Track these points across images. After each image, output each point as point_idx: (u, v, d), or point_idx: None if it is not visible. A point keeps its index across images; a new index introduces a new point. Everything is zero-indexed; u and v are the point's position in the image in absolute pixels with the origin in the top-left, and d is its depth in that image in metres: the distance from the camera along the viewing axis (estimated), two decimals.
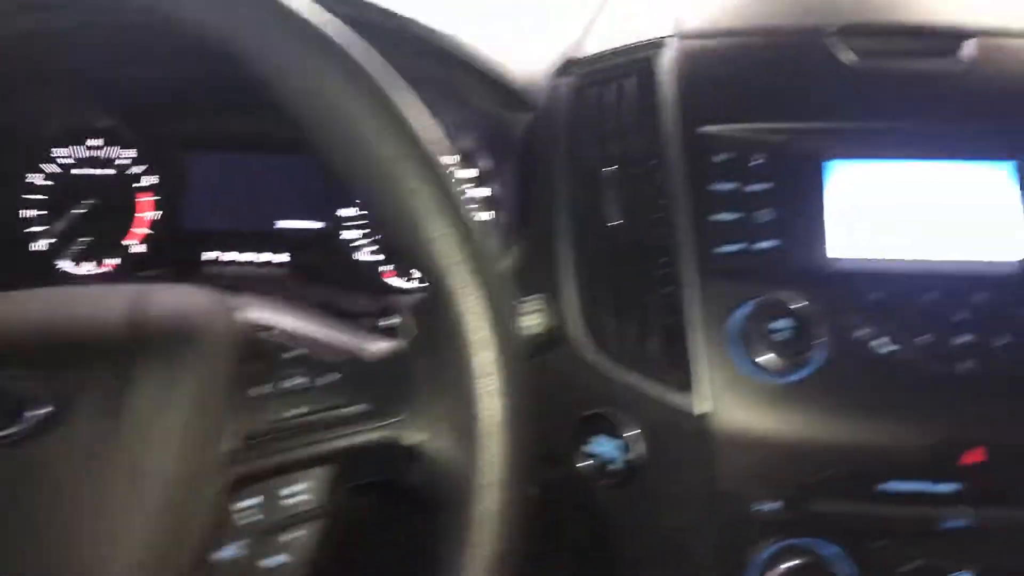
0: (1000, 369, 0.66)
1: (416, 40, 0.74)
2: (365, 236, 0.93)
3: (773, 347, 0.66)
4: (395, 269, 0.91)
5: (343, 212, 0.92)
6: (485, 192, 0.88)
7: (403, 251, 0.48)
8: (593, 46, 0.85)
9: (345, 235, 0.92)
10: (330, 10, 0.47)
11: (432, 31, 0.75)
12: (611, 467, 0.71)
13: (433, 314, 0.48)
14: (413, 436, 0.49)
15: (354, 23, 0.70)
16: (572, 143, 0.77)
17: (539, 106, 0.81)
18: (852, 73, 0.75)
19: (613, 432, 0.70)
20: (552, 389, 0.73)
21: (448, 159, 0.49)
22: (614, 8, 0.94)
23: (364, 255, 0.93)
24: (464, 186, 0.48)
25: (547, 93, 0.82)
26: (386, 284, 0.92)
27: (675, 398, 0.68)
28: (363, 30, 0.71)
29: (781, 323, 0.66)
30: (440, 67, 0.76)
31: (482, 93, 0.79)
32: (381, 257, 0.91)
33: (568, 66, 0.83)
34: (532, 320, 0.64)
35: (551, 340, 0.66)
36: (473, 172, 0.89)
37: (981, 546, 0.66)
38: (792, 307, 0.66)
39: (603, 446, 0.71)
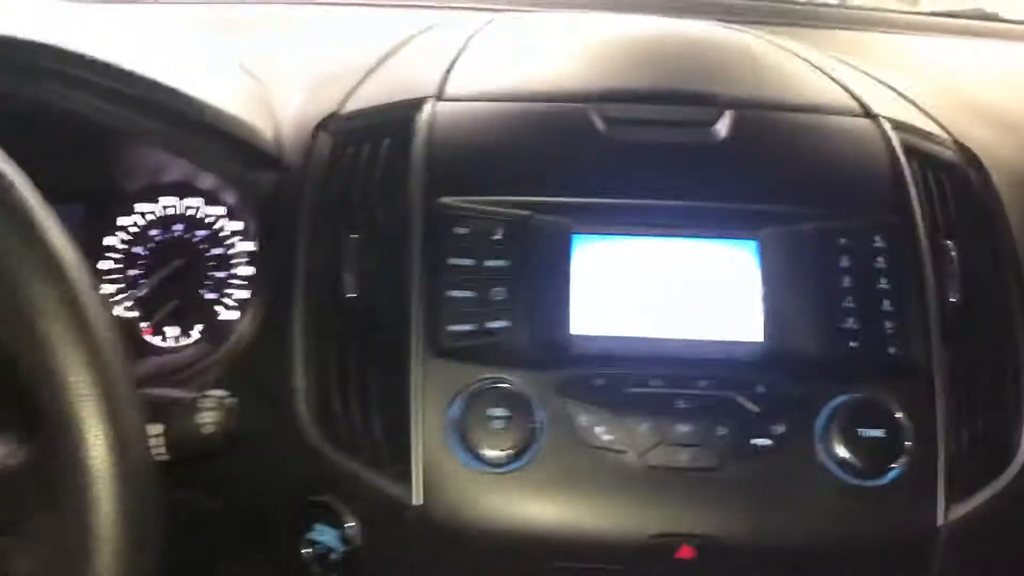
0: (719, 463, 0.64)
1: (138, 99, 0.69)
2: (120, 292, 0.87)
3: (490, 436, 0.63)
4: (152, 327, 0.86)
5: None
6: (247, 248, 0.83)
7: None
8: (359, 101, 0.81)
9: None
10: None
11: (160, 88, 0.70)
12: (331, 557, 0.67)
13: (43, 429, 0.43)
14: (16, 563, 0.45)
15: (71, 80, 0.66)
16: (318, 206, 0.74)
17: (289, 164, 0.77)
18: (604, 144, 0.73)
19: (334, 521, 0.67)
20: (275, 473, 0.69)
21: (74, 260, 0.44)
22: (399, 59, 0.91)
23: (119, 311, 0.87)
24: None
25: (300, 151, 0.77)
26: (146, 343, 0.87)
27: (393, 489, 0.65)
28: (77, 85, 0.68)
29: (499, 410, 0.63)
30: (167, 126, 0.72)
31: (213, 152, 0.74)
32: (137, 313, 0.86)
33: (326, 123, 0.79)
34: (206, 418, 0.59)
35: (226, 441, 0.62)
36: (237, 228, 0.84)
37: None
38: (513, 391, 0.64)
39: (324, 535, 0.67)
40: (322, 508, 0.67)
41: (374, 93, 0.82)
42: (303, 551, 0.68)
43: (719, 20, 1.09)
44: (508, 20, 0.99)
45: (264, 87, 0.85)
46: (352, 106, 0.80)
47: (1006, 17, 1.41)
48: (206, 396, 0.59)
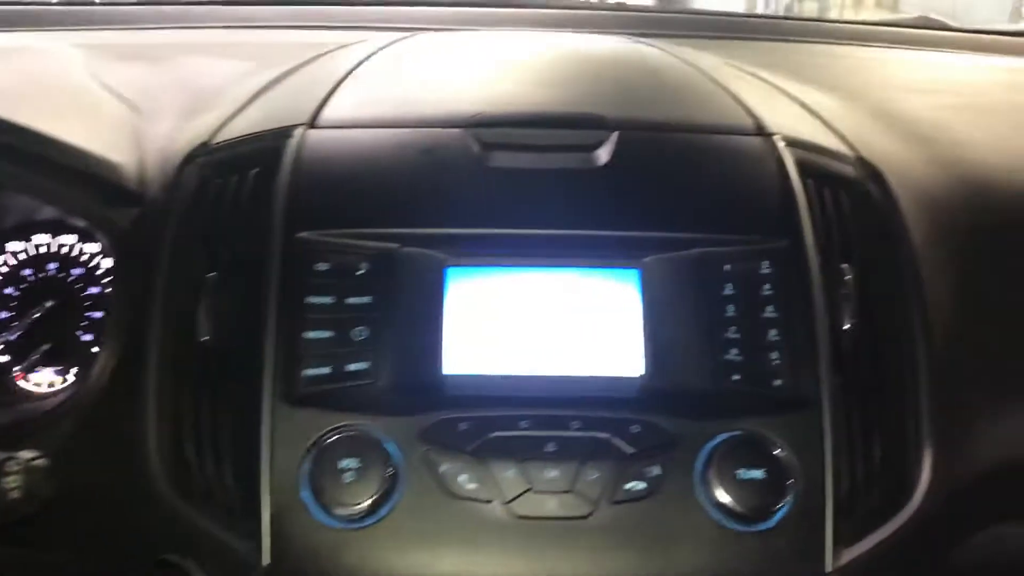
0: (591, 510, 0.60)
1: None
2: None
3: (342, 489, 0.59)
4: (23, 371, 0.81)
5: None
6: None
7: None
8: (233, 131, 0.77)
9: None
10: None
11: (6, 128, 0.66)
12: None
13: None
14: None
15: None
16: (179, 243, 0.69)
17: (153, 199, 0.72)
18: (479, 170, 0.69)
19: None
20: (126, 529, 0.65)
21: None
22: (284, 86, 0.87)
23: None
24: None
25: (166, 184, 0.73)
26: (19, 388, 0.82)
27: (243, 547, 0.60)
28: None
29: (351, 461, 0.59)
30: (15, 167, 0.68)
31: (69, 190, 0.70)
32: (8, 358, 0.82)
33: (195, 154, 0.75)
34: (10, 483, 0.55)
35: (38, 505, 0.57)
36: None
37: None
38: (367, 440, 0.60)
39: None
40: (174, 568, 0.62)
41: (249, 122, 0.78)
42: None
43: (647, 34, 1.07)
44: (409, 42, 0.95)
45: (137, 117, 0.81)
46: (224, 136, 0.76)
47: (951, 25, 1.38)
48: (10, 459, 0.55)
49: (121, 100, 0.83)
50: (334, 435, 0.60)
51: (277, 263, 0.65)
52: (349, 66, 0.85)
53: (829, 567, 0.60)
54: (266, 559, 0.59)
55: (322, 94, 0.78)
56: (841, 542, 0.61)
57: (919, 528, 0.63)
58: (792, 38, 1.23)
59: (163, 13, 1.12)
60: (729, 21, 1.27)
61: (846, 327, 0.66)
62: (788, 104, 0.85)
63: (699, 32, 1.18)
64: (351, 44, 0.96)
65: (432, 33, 1.02)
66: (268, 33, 1.11)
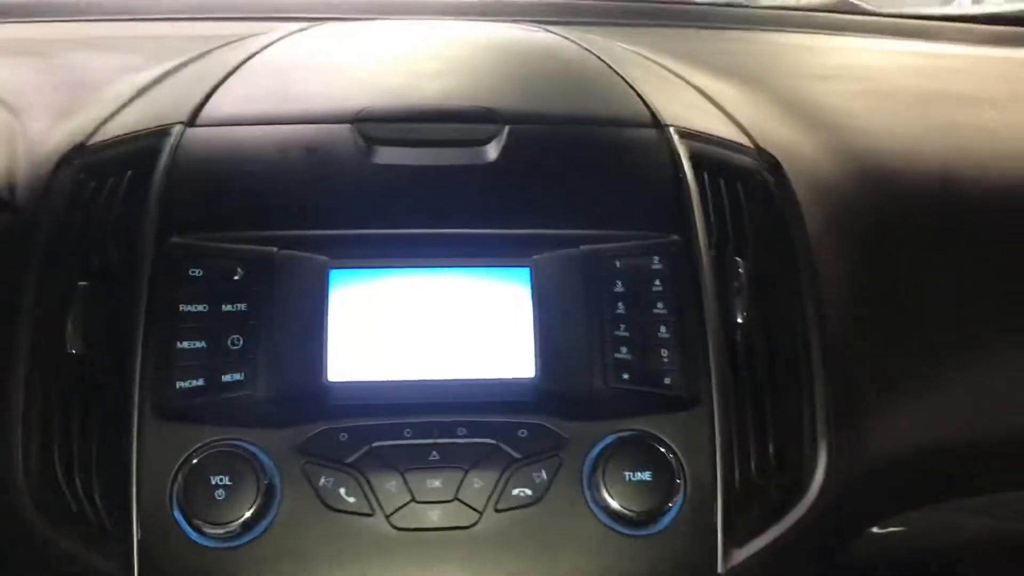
0: (476, 519, 0.58)
1: None
2: None
3: (214, 507, 0.56)
4: None
5: None
6: None
7: None
8: (111, 131, 0.74)
9: None
10: None
11: None
12: None
13: None
14: None
15: None
16: (50, 250, 0.66)
17: (24, 204, 0.69)
18: (364, 168, 0.67)
19: None
20: None
21: None
22: (169, 84, 0.83)
23: None
24: None
25: (39, 188, 0.69)
26: None
27: (113, 568, 0.57)
28: None
29: (222, 477, 0.56)
30: None
31: None
32: None
33: (71, 156, 0.71)
34: None
35: None
36: None
37: None
38: (238, 455, 0.57)
39: None
40: None
41: (129, 122, 0.74)
42: None
43: (555, 22, 1.05)
44: (303, 34, 0.92)
45: (10, 117, 0.77)
46: (101, 136, 0.72)
47: (871, 9, 1.38)
48: None
49: None
50: (205, 450, 0.57)
51: (147, 270, 0.62)
52: (238, 61, 0.82)
53: (720, 568, 0.59)
54: None
55: (205, 91, 0.75)
56: (734, 542, 0.60)
57: (814, 523, 0.62)
58: (704, 24, 1.21)
59: (47, 5, 1.07)
60: (641, 7, 1.26)
61: (739, 321, 0.65)
62: (688, 93, 0.83)
63: (609, 19, 1.17)
64: (245, 37, 0.92)
65: (331, 24, 0.99)
66: (160, 25, 1.06)
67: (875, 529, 0.71)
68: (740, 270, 0.66)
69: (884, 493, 0.68)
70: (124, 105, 0.77)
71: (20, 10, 1.07)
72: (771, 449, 0.63)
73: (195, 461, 0.57)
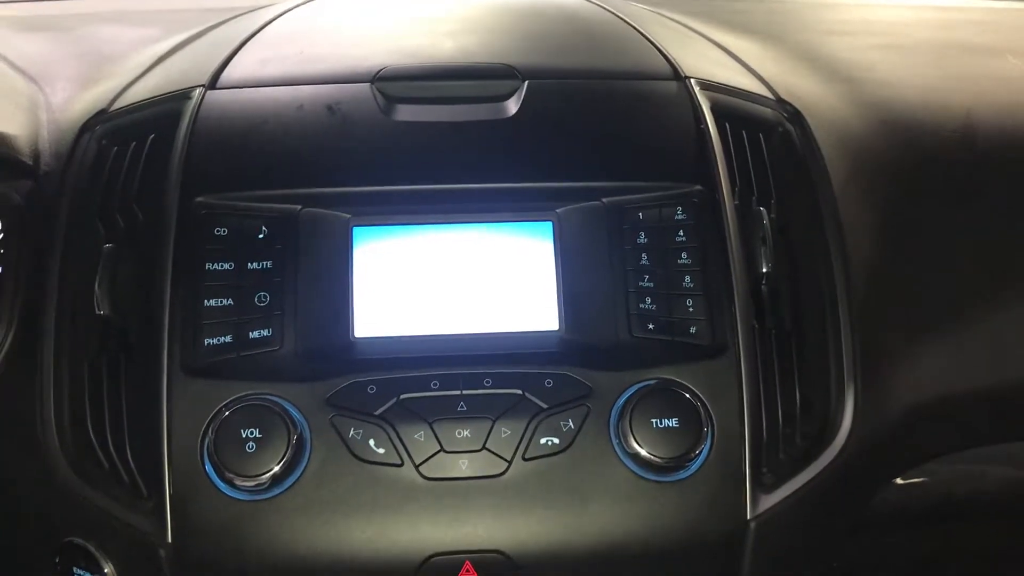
0: (504, 468, 0.58)
1: None
2: None
3: (245, 460, 0.57)
4: None
5: None
6: None
7: None
8: (132, 97, 0.74)
9: None
10: None
11: None
12: None
13: None
14: None
15: None
16: (76, 215, 0.66)
17: (48, 171, 0.69)
18: (385, 126, 0.67)
19: (93, 564, 0.60)
20: (30, 515, 0.62)
21: None
22: (188, 50, 0.84)
23: None
24: None
25: (62, 155, 0.70)
26: None
27: (147, 526, 0.58)
28: None
29: (253, 430, 0.57)
30: None
31: None
32: None
33: (92, 122, 0.72)
34: None
35: None
36: None
37: None
38: (268, 408, 0.57)
39: None
40: (80, 550, 0.60)
41: (149, 87, 0.75)
42: None
43: None
44: (321, 1, 0.92)
45: (34, 88, 0.78)
46: (123, 102, 0.73)
47: None
48: None
49: (17, 71, 0.79)
50: (236, 405, 0.58)
51: (173, 229, 0.62)
52: (256, 27, 0.82)
53: (749, 514, 0.59)
54: (170, 537, 0.57)
55: (224, 55, 0.75)
56: (762, 488, 0.60)
57: (841, 471, 0.62)
58: None
59: None
60: None
61: (764, 271, 0.64)
62: (708, 48, 0.83)
63: None
64: (263, 7, 0.93)
65: None
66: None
67: (899, 480, 0.71)
68: (764, 221, 0.65)
69: (910, 441, 0.68)
70: (144, 73, 0.78)
71: None
72: (797, 397, 0.63)
73: (225, 415, 0.58)
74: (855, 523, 0.68)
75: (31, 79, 0.79)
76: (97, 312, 0.62)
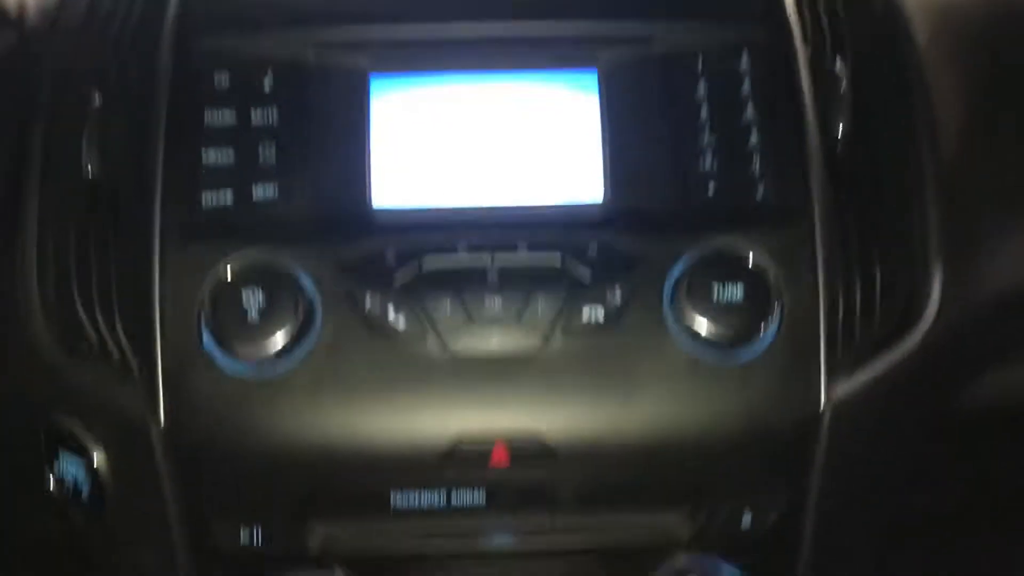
0: (541, 344, 0.51)
1: None
2: None
3: (248, 330, 0.50)
4: None
5: None
6: None
7: None
8: None
9: None
10: None
11: None
12: (82, 492, 0.54)
13: None
14: None
15: None
16: (63, 71, 0.60)
17: (33, 24, 0.62)
18: None
19: (79, 448, 0.54)
20: (14, 394, 0.56)
21: None
22: None
23: None
24: None
25: (49, 6, 0.63)
26: None
27: (137, 402, 0.52)
28: None
29: (257, 296, 0.50)
30: None
31: None
32: None
33: None
34: None
35: None
36: None
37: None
38: (276, 271, 0.51)
39: (71, 465, 0.54)
40: (67, 433, 0.54)
41: None
42: (51, 487, 0.55)
43: None
44: None
45: None
46: None
47: None
48: None
49: None
50: (236, 265, 0.51)
51: (168, 76, 0.56)
52: None
53: (823, 403, 0.52)
54: (162, 417, 0.51)
55: None
56: (838, 373, 0.52)
57: (927, 357, 0.54)
58: None
59: None
60: None
61: (840, 131, 0.56)
62: None
63: None
64: None
65: None
66: None
67: (984, 376, 0.63)
68: (840, 76, 0.57)
69: (999, 332, 0.60)
70: None
71: None
72: (878, 273, 0.55)
73: (224, 278, 0.51)
74: (937, 423, 0.61)
75: None
76: (84, 174, 0.55)
